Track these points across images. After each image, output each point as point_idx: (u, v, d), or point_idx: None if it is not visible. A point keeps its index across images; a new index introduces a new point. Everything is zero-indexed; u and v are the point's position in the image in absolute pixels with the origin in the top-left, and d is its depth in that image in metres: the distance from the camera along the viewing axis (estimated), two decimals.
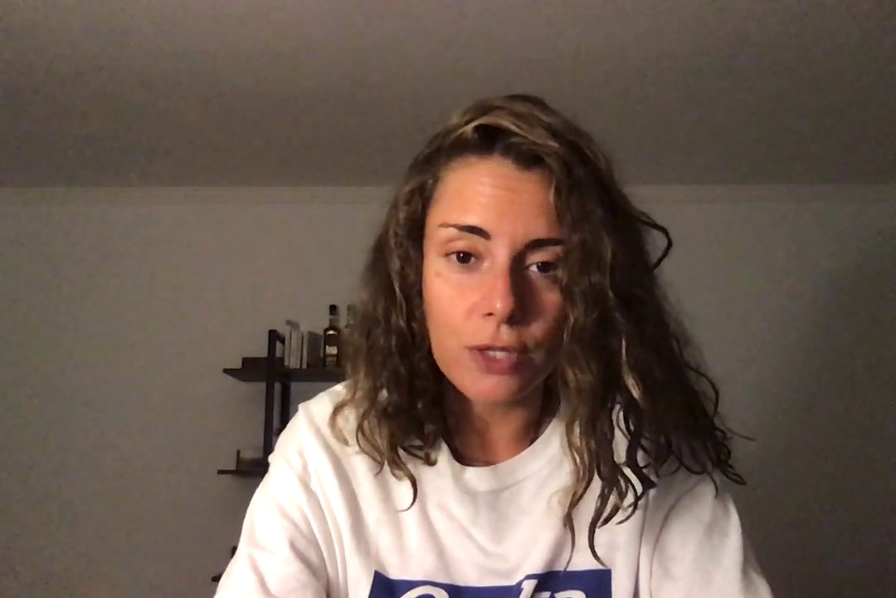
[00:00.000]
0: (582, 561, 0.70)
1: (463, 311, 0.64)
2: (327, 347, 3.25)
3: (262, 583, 0.67)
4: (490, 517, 0.72)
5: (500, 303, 0.61)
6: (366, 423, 0.70)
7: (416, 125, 2.82)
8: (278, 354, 3.24)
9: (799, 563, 3.08)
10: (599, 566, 0.69)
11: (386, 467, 0.72)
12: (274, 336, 3.22)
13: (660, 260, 0.68)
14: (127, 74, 2.55)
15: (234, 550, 0.73)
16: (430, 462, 0.72)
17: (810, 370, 3.37)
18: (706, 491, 0.72)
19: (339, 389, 0.77)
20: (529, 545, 0.71)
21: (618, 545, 0.70)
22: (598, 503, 0.65)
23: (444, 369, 0.68)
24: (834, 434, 3.31)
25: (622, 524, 0.67)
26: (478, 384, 0.65)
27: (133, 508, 3.31)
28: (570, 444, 0.66)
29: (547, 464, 0.73)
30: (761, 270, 3.45)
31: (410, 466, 0.70)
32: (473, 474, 0.72)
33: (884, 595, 3.15)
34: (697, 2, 2.17)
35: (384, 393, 0.70)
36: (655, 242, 0.68)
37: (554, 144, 0.62)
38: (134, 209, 3.56)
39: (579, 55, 2.45)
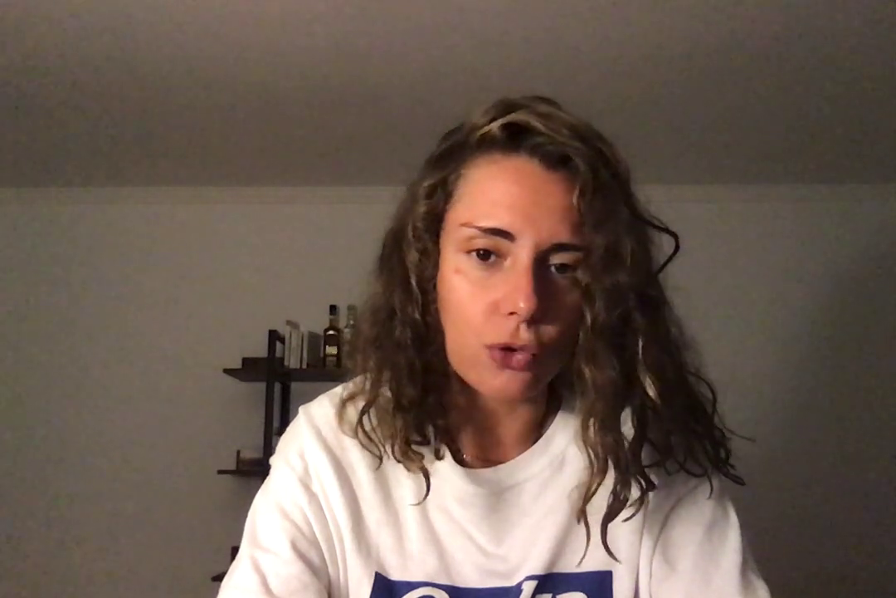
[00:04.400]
0: (583, 563, 0.70)
1: (483, 308, 0.64)
2: (327, 347, 3.24)
3: (265, 584, 0.68)
4: (490, 519, 0.72)
5: (524, 302, 0.61)
6: (366, 417, 0.70)
7: (417, 125, 2.83)
8: (278, 354, 3.24)
9: (798, 565, 3.08)
10: (601, 568, 0.70)
11: (387, 468, 0.72)
12: (274, 336, 3.22)
13: (664, 264, 0.69)
14: (127, 74, 2.55)
15: (234, 550, 0.73)
16: (440, 456, 0.71)
17: (810, 369, 3.37)
18: (706, 493, 0.72)
19: (340, 391, 0.77)
20: (529, 547, 0.71)
21: (618, 546, 0.70)
22: (611, 499, 0.66)
23: (457, 365, 0.68)
24: (835, 432, 3.31)
25: (623, 526, 0.68)
26: (494, 380, 0.65)
27: (133, 508, 3.31)
28: (585, 440, 0.66)
29: (548, 466, 0.73)
30: (761, 270, 3.44)
31: (416, 464, 0.70)
32: (474, 476, 0.72)
33: (884, 596, 3.15)
34: (697, 1, 2.17)
35: (394, 386, 0.69)
36: (661, 246, 0.69)
37: (580, 145, 0.63)
38: (134, 209, 3.56)
39: (579, 55, 2.45)
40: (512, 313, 0.62)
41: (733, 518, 0.73)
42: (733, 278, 3.42)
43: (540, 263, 0.63)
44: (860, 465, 3.28)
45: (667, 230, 0.68)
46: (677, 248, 0.68)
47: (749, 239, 3.47)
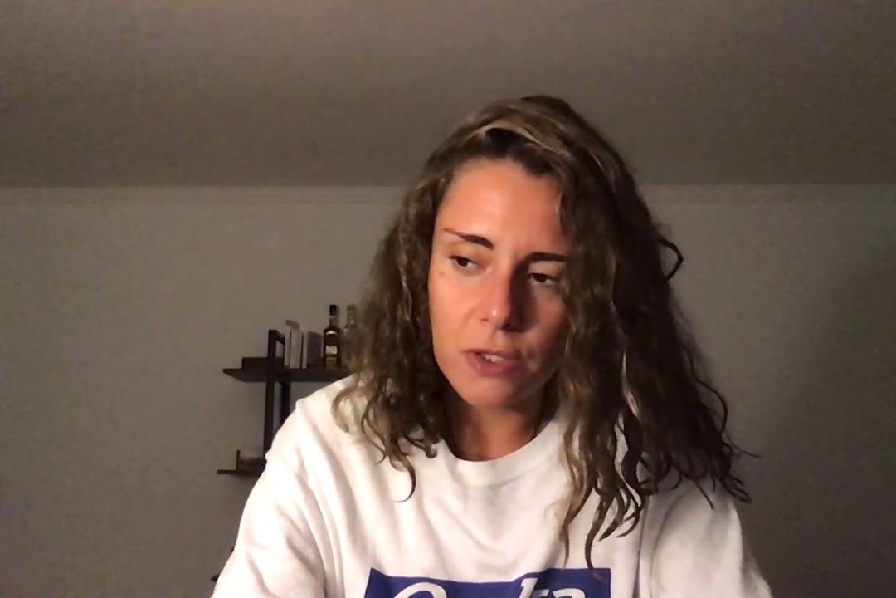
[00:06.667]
0: (581, 560, 0.69)
1: (463, 313, 0.64)
2: (327, 347, 3.25)
3: (260, 581, 0.67)
4: (488, 513, 0.72)
5: (497, 310, 0.61)
6: (370, 412, 0.71)
7: (417, 126, 2.83)
8: (278, 354, 3.24)
9: (799, 564, 3.08)
10: (599, 565, 0.69)
11: (385, 464, 0.72)
12: (274, 336, 3.22)
13: (669, 275, 0.68)
14: (128, 74, 2.55)
15: (233, 550, 0.72)
16: (431, 454, 0.72)
17: (809, 370, 3.37)
18: (707, 491, 0.72)
19: (338, 386, 0.77)
20: (528, 543, 0.70)
21: (617, 544, 0.70)
22: (597, 516, 0.65)
23: (442, 368, 0.68)
24: (837, 433, 3.30)
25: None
26: (472, 387, 0.65)
27: (133, 508, 3.31)
28: (568, 456, 0.66)
29: (546, 461, 0.73)
30: (761, 270, 3.44)
31: (409, 459, 0.70)
32: (471, 469, 0.72)
33: (883, 597, 3.15)
34: (697, 3, 2.17)
35: (387, 384, 0.70)
36: (667, 254, 0.68)
37: (564, 152, 0.61)
38: (134, 209, 3.56)
39: (579, 57, 2.45)
40: (486, 320, 0.62)
41: (734, 516, 0.73)
42: (732, 279, 3.42)
43: (519, 271, 0.62)
44: (860, 466, 3.28)
45: (663, 242, 0.67)
46: (680, 260, 0.67)
47: (749, 239, 3.47)
